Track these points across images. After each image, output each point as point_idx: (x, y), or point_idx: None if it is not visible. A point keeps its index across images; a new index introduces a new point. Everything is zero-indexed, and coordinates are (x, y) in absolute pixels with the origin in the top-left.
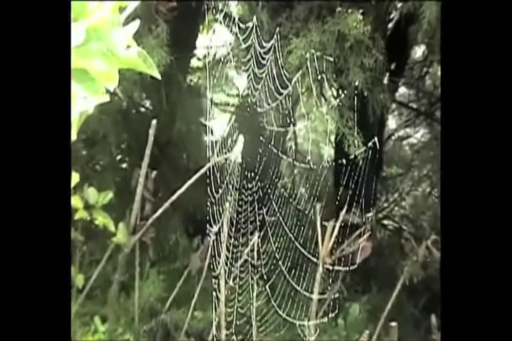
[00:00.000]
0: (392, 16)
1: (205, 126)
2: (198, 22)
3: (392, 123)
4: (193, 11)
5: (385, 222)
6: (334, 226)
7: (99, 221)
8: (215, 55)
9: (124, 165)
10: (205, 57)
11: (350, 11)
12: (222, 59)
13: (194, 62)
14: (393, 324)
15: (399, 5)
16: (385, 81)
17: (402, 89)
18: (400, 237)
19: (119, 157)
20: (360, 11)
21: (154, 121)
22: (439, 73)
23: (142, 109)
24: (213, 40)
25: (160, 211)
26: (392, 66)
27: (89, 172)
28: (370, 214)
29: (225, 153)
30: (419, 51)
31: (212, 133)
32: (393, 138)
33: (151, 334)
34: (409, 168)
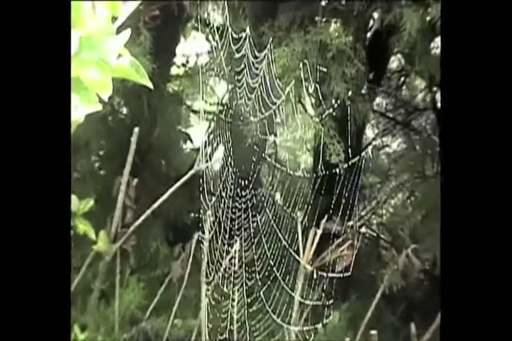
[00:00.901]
0: (371, 26)
1: (185, 133)
2: (179, 30)
3: (369, 132)
4: (175, 19)
5: (363, 230)
6: (316, 234)
7: (79, 228)
8: (195, 63)
9: (105, 173)
10: (184, 65)
11: (332, 21)
12: (203, 67)
13: (174, 70)
14: (373, 332)
15: (376, 16)
16: (365, 90)
17: (379, 99)
18: (377, 246)
19: (99, 164)
20: (342, 21)
21: (136, 129)
22: (416, 83)
23: (123, 117)
24: (194, 48)
25: (141, 218)
26: (371, 76)
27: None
28: (351, 223)
29: (207, 161)
30: (396, 61)
31: (192, 141)
32: (370, 147)
33: None
34: (387, 177)
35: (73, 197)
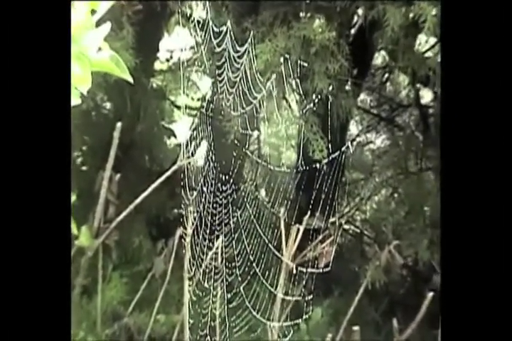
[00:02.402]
0: (355, 22)
1: (169, 129)
2: (163, 25)
3: (353, 128)
4: (158, 14)
5: (346, 226)
6: (298, 231)
7: None
8: (179, 59)
9: (87, 168)
10: (167, 60)
11: (315, 16)
12: (186, 62)
13: (157, 65)
14: (355, 328)
15: (360, 12)
16: (349, 87)
17: (363, 95)
18: (361, 242)
19: (81, 159)
20: (326, 17)
21: (119, 124)
22: (399, 79)
23: (106, 112)
24: (177, 43)
25: (124, 214)
26: (355, 72)
27: None
28: (333, 219)
29: (189, 157)
30: (380, 57)
31: (175, 136)
32: (354, 143)
33: (113, 338)
34: (370, 174)
35: None
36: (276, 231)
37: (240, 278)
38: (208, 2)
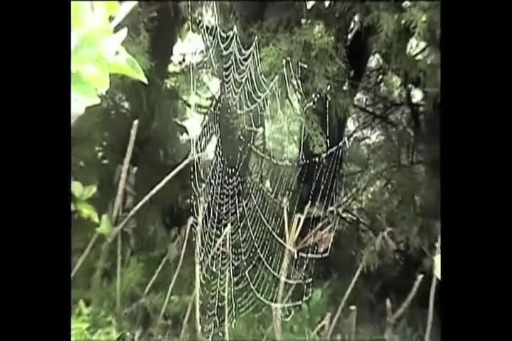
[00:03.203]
0: (351, 28)
1: (181, 125)
2: (176, 31)
3: (350, 125)
4: (172, 21)
5: (344, 215)
6: (299, 219)
7: (84, 213)
8: (191, 62)
9: (107, 162)
10: (180, 63)
11: (315, 22)
12: (198, 65)
13: (171, 68)
14: (352, 307)
15: (356, 18)
16: (346, 87)
17: (359, 95)
18: (357, 229)
19: (102, 154)
20: (325, 23)
21: (136, 122)
22: (392, 80)
23: (124, 111)
24: (190, 47)
25: (140, 204)
26: (352, 73)
27: (75, 168)
28: (332, 208)
29: (199, 152)
30: (374, 60)
31: (187, 132)
32: (351, 139)
33: (131, 316)
34: (366, 166)
35: (78, 184)
36: (279, 219)
37: (245, 263)
38: (215, 9)
